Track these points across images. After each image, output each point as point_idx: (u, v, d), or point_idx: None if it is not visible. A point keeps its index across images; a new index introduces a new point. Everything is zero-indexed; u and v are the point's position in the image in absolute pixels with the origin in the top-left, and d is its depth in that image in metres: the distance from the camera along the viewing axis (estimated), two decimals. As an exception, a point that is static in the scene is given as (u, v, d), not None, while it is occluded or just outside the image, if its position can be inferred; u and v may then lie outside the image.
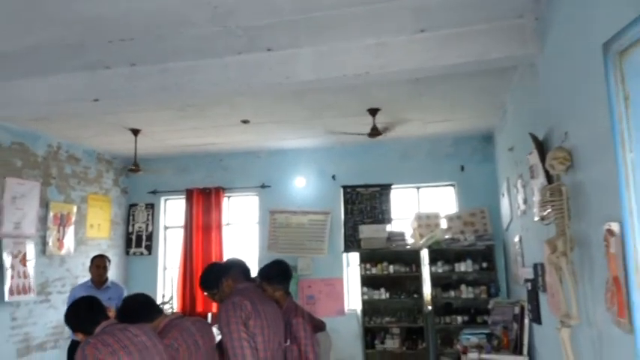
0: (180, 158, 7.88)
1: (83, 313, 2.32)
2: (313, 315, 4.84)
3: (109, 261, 5.34)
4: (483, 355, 4.68)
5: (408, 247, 6.87)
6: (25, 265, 6.01)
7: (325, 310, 6.97)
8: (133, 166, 6.72)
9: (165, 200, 8.14)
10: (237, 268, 3.05)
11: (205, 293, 3.07)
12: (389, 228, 7.08)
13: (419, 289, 6.72)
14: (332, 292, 7.20)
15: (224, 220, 7.70)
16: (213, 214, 7.63)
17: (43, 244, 6.36)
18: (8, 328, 5.75)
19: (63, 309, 6.55)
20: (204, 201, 7.71)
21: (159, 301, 7.41)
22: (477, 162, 7.10)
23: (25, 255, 6.02)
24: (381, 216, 7.28)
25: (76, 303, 2.40)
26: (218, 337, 2.88)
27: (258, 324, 2.72)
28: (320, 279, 7.24)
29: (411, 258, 6.79)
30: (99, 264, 5.26)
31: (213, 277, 2.97)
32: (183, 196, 7.78)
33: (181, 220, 7.81)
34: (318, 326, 4.71)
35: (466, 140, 7.14)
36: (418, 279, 6.73)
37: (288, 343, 2.99)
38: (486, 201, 6.82)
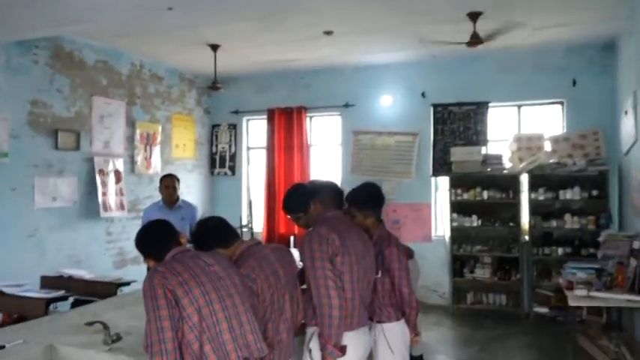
0: (261, 76, 7.58)
1: (153, 238, 2.11)
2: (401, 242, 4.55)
3: (178, 180, 5.04)
4: (593, 293, 4.16)
5: (506, 171, 6.26)
6: (116, 182, 6.17)
7: (411, 236, 6.65)
8: (213, 83, 6.52)
9: (247, 120, 7.99)
10: (328, 191, 2.64)
11: (289, 216, 2.77)
12: (484, 151, 6.46)
13: (515, 218, 6.17)
14: (418, 218, 6.83)
15: (307, 141, 7.42)
16: (295, 135, 7.37)
17: (131, 162, 6.48)
18: (104, 242, 6.02)
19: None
20: (286, 121, 7.45)
21: (243, 222, 7.48)
22: (592, 75, 6.15)
23: (115, 173, 6.16)
24: (475, 137, 6.64)
25: (147, 227, 2.20)
26: (299, 265, 2.60)
27: (346, 261, 2.37)
28: (406, 203, 6.87)
29: (507, 183, 6.19)
30: (168, 184, 4.97)
31: (299, 198, 2.61)
32: (265, 117, 7.56)
33: (263, 140, 7.65)
34: (407, 254, 4.42)
35: (581, 49, 6.16)
36: (515, 206, 6.16)
37: (380, 274, 2.69)
38: (601, 121, 5.96)
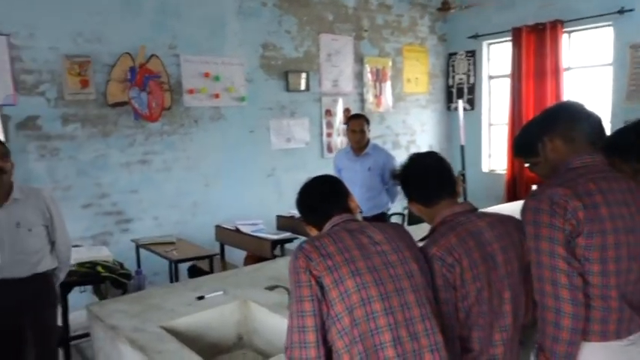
0: (504, -11, 6.35)
1: (312, 200, 1.61)
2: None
3: (368, 122, 4.13)
4: None
5: None
6: (345, 122, 6.04)
7: None
8: (443, 4, 5.68)
9: (489, 45, 6.89)
10: (571, 120, 1.62)
11: (526, 164, 1.93)
12: None
13: None
14: None
15: (563, 64, 6.01)
16: (548, 57, 6.01)
17: (361, 101, 6.25)
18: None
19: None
20: (536, 41, 6.13)
21: (483, 168, 6.66)
22: None
23: (345, 112, 6.02)
24: None
25: (308, 184, 1.66)
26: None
27: (596, 243, 1.46)
28: None
29: None
30: (355, 127, 4.07)
31: (530, 136, 1.70)
32: (509, 38, 6.37)
33: (507, 67, 6.50)
34: None
35: None
36: None
37: None
38: None
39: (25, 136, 4.04)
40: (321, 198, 1.59)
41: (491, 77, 6.95)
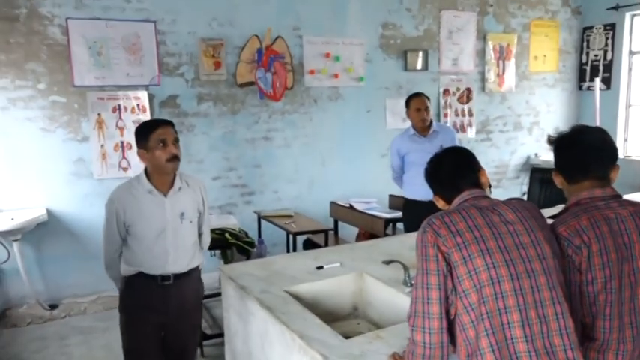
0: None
1: (445, 173, 1.59)
2: None
3: (429, 99, 3.91)
4: None
5: None
6: (465, 102, 5.88)
7: None
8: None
9: (632, 17, 6.22)
10: None
11: None
12: None
13: None
14: None
15: None
16: None
17: (482, 80, 6.02)
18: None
19: (505, 149, 6.33)
20: (692, 11, 5.43)
21: (620, 148, 6.09)
22: None
23: (465, 92, 5.86)
24: None
25: (440, 157, 1.64)
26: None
27: None
28: None
29: None
30: (419, 105, 3.80)
31: None
32: (659, 9, 5.71)
33: (654, 41, 5.84)
34: None
35: None
36: None
37: None
38: None
39: (167, 114, 4.49)
40: (452, 171, 1.58)
41: (632, 53, 6.29)
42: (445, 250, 1.36)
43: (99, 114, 4.27)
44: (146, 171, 2.36)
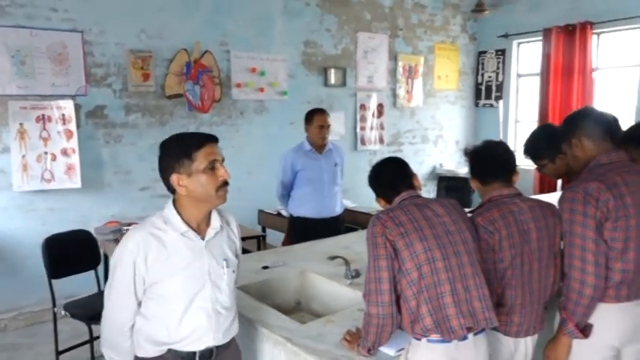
0: (535, -9, 6.58)
1: (385, 177, 1.90)
2: None
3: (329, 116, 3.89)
4: None
5: None
6: (378, 117, 6.38)
7: None
8: (477, 6, 5.95)
9: (518, 44, 7.13)
10: (594, 122, 1.99)
11: (537, 166, 2.34)
12: None
13: None
14: None
15: (591, 64, 6.23)
16: (577, 57, 6.24)
17: (393, 96, 6.57)
18: (367, 174, 6.34)
19: (414, 159, 6.94)
20: (566, 41, 6.35)
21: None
22: None
23: (377, 108, 6.35)
24: None
25: (380, 164, 1.96)
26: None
27: (620, 226, 1.84)
28: None
29: None
30: (322, 123, 3.74)
31: (542, 142, 2.23)
32: (540, 38, 6.60)
33: (536, 66, 6.74)
34: None
35: None
36: None
37: None
38: None
39: (93, 124, 4.47)
40: (392, 176, 1.89)
41: (519, 75, 7.19)
42: (391, 239, 1.67)
43: (21, 124, 4.16)
44: (174, 205, 1.73)
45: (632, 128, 2.30)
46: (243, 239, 4.23)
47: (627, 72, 6.11)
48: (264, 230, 5.05)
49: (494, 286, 1.83)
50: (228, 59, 5.14)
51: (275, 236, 5.01)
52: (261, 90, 5.37)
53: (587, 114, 2.07)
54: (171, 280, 1.66)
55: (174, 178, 1.69)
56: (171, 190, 1.73)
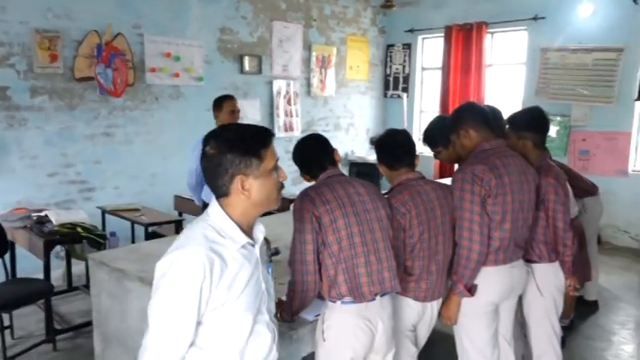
0: (438, -10, 7.08)
1: (309, 154, 2.06)
2: (583, 176, 4.05)
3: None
4: None
5: None
6: (292, 104, 6.57)
7: (601, 169, 5.89)
8: (386, 1, 6.31)
9: (423, 39, 7.64)
10: (480, 115, 2.34)
11: (433, 153, 2.65)
12: None
13: None
14: (613, 148, 5.96)
15: (486, 61, 6.86)
16: (474, 54, 6.84)
17: (307, 85, 6.78)
18: (286, 160, 6.47)
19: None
20: (464, 39, 6.93)
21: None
22: None
23: (292, 95, 6.54)
24: (702, 53, 5.39)
25: (304, 140, 2.12)
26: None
27: (499, 201, 2.18)
28: (598, 132, 6.02)
29: None
30: (233, 108, 3.80)
31: (437, 131, 2.49)
32: (442, 35, 7.13)
33: (438, 61, 7.28)
34: (588, 190, 3.94)
35: None
36: None
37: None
38: None
39: (-5, 106, 4.23)
40: (317, 152, 2.05)
41: (424, 69, 7.71)
42: (317, 215, 1.86)
43: None
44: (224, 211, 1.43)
45: (511, 115, 2.69)
46: (158, 225, 4.34)
47: (515, 69, 6.80)
48: (180, 215, 5.07)
49: (403, 259, 2.10)
50: (141, 43, 5.05)
51: (191, 220, 5.05)
52: (177, 75, 5.34)
53: (471, 108, 2.42)
54: (236, 301, 1.38)
55: (238, 181, 1.38)
56: (223, 193, 1.41)
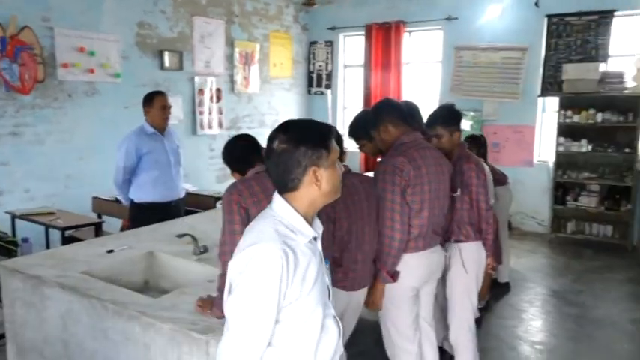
0: (358, -11, 7.25)
1: (238, 152, 2.15)
2: (495, 167, 4.35)
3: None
4: None
5: (627, 91, 5.58)
6: (216, 101, 6.47)
7: (510, 160, 6.33)
8: (307, -1, 6.38)
9: (345, 37, 7.79)
10: (398, 111, 2.47)
11: (358, 146, 2.76)
12: (602, 67, 5.77)
13: (632, 143, 5.57)
14: (520, 141, 6.43)
15: (404, 59, 7.13)
16: (393, 51, 7.09)
17: (231, 82, 6.71)
18: (207, 158, 6.44)
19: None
20: (384, 37, 7.15)
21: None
22: None
23: (216, 92, 6.45)
24: (594, 52, 5.93)
25: (234, 139, 2.22)
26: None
27: (417, 191, 2.32)
28: (507, 125, 6.47)
29: (627, 105, 5.55)
30: (164, 103, 3.77)
31: (361, 126, 2.61)
32: (363, 33, 7.32)
33: (360, 58, 7.46)
34: (499, 180, 4.24)
35: None
36: (634, 131, 5.55)
37: (459, 192, 2.65)
38: None
39: None
40: (246, 150, 2.14)
41: (346, 66, 7.88)
42: (245, 207, 1.90)
43: None
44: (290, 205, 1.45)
45: (432, 113, 2.82)
46: (76, 228, 4.13)
47: (432, 66, 7.13)
48: (100, 217, 4.85)
49: (331, 252, 2.14)
50: (52, 36, 4.76)
51: (113, 223, 4.85)
52: (92, 71, 5.09)
53: (388, 105, 2.54)
54: (308, 296, 1.38)
55: (311, 172, 1.41)
56: (292, 187, 1.43)
